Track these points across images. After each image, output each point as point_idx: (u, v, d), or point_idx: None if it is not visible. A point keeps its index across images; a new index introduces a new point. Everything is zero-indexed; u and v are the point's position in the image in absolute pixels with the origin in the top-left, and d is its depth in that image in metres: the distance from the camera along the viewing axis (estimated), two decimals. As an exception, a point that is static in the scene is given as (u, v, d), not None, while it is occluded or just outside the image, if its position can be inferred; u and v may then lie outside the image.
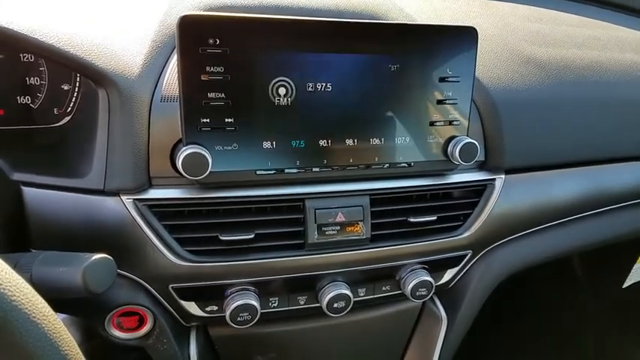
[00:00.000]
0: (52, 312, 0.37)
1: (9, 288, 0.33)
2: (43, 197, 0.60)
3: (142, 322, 0.66)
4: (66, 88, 0.75)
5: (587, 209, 0.84)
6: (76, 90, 0.74)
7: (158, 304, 0.67)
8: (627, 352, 1.27)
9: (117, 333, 0.66)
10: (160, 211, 0.62)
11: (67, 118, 0.75)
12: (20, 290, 0.34)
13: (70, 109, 0.75)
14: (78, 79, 0.74)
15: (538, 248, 0.83)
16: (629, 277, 1.08)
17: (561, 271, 1.30)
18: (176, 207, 0.63)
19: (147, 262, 0.63)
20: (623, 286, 1.10)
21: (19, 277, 0.35)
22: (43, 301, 0.36)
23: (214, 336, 0.76)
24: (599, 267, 1.19)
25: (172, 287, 0.65)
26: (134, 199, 0.60)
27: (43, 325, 0.35)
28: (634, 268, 1.05)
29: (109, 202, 0.60)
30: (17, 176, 0.60)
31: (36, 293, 0.35)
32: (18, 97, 0.73)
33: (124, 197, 0.60)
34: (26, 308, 0.33)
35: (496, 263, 0.81)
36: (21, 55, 0.72)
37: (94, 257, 0.49)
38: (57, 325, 0.36)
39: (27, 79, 0.73)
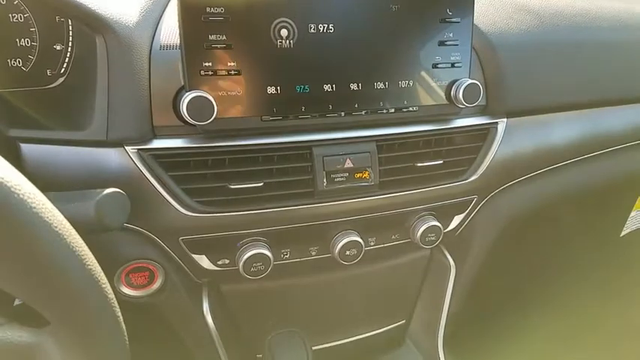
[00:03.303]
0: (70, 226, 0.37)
1: (28, 195, 0.32)
2: (43, 153, 0.58)
3: (152, 278, 0.65)
4: (58, 48, 0.72)
5: (588, 151, 0.85)
6: (69, 50, 0.72)
7: (169, 259, 0.66)
8: (625, 306, 1.29)
9: (127, 290, 0.65)
10: (166, 161, 0.61)
11: (61, 79, 0.73)
12: (39, 200, 0.34)
13: (63, 70, 0.73)
14: (70, 38, 0.72)
15: (541, 191, 0.84)
16: (626, 225, 1.10)
17: (556, 220, 1.32)
18: (182, 157, 0.61)
19: (155, 215, 0.61)
20: (621, 235, 1.12)
21: (36, 189, 0.35)
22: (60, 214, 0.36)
23: (226, 293, 0.75)
24: (597, 216, 1.22)
25: (182, 240, 0.64)
26: (138, 150, 0.59)
27: (64, 236, 0.35)
28: (631, 215, 1.07)
29: (113, 154, 0.59)
30: (14, 132, 0.59)
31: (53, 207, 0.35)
32: (9, 60, 0.71)
33: (128, 148, 0.59)
34: (47, 217, 0.33)
35: (501, 208, 0.82)
36: (10, 15, 0.69)
37: (106, 191, 0.48)
38: (77, 237, 0.36)
39: (17, 40, 0.71)
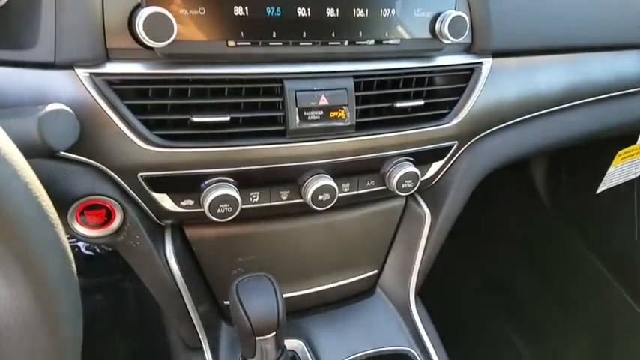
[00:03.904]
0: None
1: None
2: (-19, 74, 0.52)
3: (109, 217, 0.61)
4: (-2, -38, 0.64)
5: (573, 99, 0.82)
6: (12, -35, 0.64)
7: (127, 197, 0.61)
8: (598, 260, 1.32)
9: (82, 230, 0.60)
10: (122, 88, 0.55)
11: (3, 1, 0.65)
12: None
13: (6, -12, 0.65)
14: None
15: (523, 140, 0.82)
16: (602, 182, 1.10)
17: (532, 175, 1.33)
18: (139, 84, 0.56)
19: (111, 148, 0.56)
20: (597, 192, 1.12)
21: None
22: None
23: (191, 237, 0.71)
24: (574, 171, 1.22)
25: (142, 176, 0.59)
26: (91, 74, 0.53)
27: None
28: (609, 171, 1.07)
29: (63, 77, 0.53)
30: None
31: None
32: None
33: (79, 71, 0.53)
34: None
35: (481, 156, 0.79)
36: None
37: (50, 106, 0.42)
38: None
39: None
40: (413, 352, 0.83)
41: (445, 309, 0.92)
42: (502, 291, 1.45)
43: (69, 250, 0.38)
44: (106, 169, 0.57)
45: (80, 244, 1.37)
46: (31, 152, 0.43)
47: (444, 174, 0.79)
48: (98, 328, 1.34)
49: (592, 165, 1.14)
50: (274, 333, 0.61)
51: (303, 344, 0.81)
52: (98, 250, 1.38)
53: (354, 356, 0.80)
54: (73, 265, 0.38)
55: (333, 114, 0.64)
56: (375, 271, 0.90)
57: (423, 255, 0.85)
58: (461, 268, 1.40)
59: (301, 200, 0.69)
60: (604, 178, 1.08)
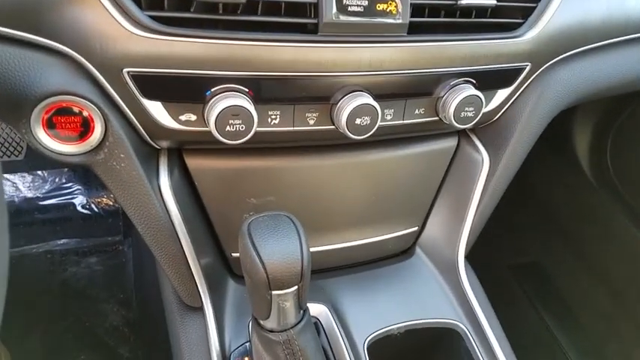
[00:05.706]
0: None
1: None
2: None
3: (86, 128, 0.47)
4: None
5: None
6: None
7: (110, 102, 0.47)
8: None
9: (51, 143, 0.46)
10: (103, -55, 0.41)
11: None
12: None
13: None
14: None
15: (606, 70, 0.66)
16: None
17: (575, 145, 1.18)
18: None
19: (88, 31, 0.42)
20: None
21: None
22: None
23: (193, 168, 0.57)
24: (624, 143, 1.07)
25: (128, 73, 0.45)
26: None
27: None
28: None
29: None
30: None
31: None
32: None
33: None
34: None
35: (555, 87, 0.63)
36: None
37: None
38: None
39: None
40: (462, 327, 0.68)
41: (497, 273, 0.76)
42: (536, 269, 1.31)
43: None
44: (81, 58, 0.43)
45: (75, 201, 1.25)
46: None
47: (509, 106, 0.63)
48: (92, 293, 1.23)
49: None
50: (296, 287, 0.47)
51: (327, 310, 0.66)
52: (96, 209, 1.25)
53: (389, 328, 0.66)
54: None
55: (380, 6, 0.49)
56: (416, 227, 0.74)
57: (476, 209, 0.69)
58: (493, 242, 1.25)
59: (333, 127, 0.55)
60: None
